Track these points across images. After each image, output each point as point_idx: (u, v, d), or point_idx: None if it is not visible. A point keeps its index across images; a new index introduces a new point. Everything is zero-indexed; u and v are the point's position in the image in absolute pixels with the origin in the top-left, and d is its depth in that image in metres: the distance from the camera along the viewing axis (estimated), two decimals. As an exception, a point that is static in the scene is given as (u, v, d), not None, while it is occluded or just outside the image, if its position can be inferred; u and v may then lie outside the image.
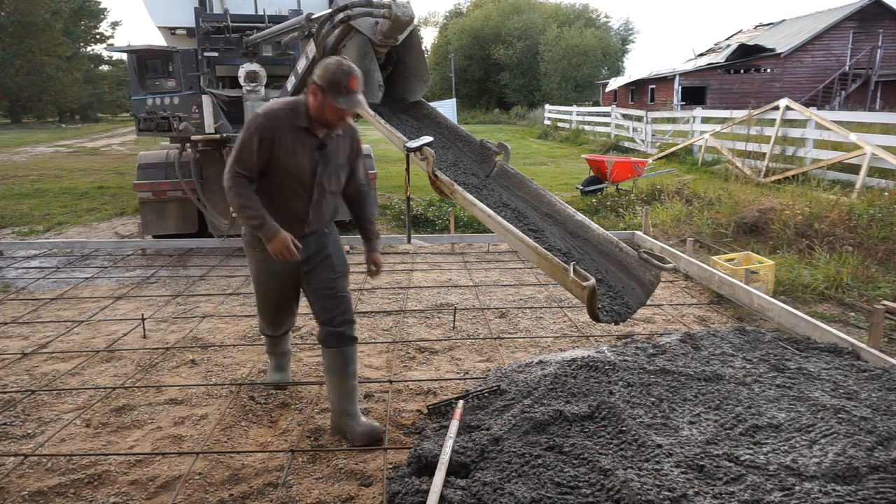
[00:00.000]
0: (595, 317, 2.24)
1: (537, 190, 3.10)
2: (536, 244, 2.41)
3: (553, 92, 35.83)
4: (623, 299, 2.51)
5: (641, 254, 2.71)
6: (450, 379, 3.36)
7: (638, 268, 2.71)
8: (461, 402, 2.83)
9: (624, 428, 2.40)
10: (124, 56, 8.52)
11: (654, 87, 28.33)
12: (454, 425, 2.53)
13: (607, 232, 2.89)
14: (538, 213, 2.97)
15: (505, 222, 2.52)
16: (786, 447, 2.30)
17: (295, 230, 2.62)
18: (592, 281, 2.17)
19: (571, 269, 2.24)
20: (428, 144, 2.76)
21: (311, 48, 3.50)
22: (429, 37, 53.88)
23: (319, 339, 2.74)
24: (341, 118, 2.52)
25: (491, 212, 2.57)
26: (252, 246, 2.77)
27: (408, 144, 2.78)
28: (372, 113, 3.04)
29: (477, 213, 2.61)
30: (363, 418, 2.79)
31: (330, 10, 3.21)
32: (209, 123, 6.12)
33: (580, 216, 2.95)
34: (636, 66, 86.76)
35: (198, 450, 2.68)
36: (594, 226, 2.91)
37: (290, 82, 3.90)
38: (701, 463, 2.20)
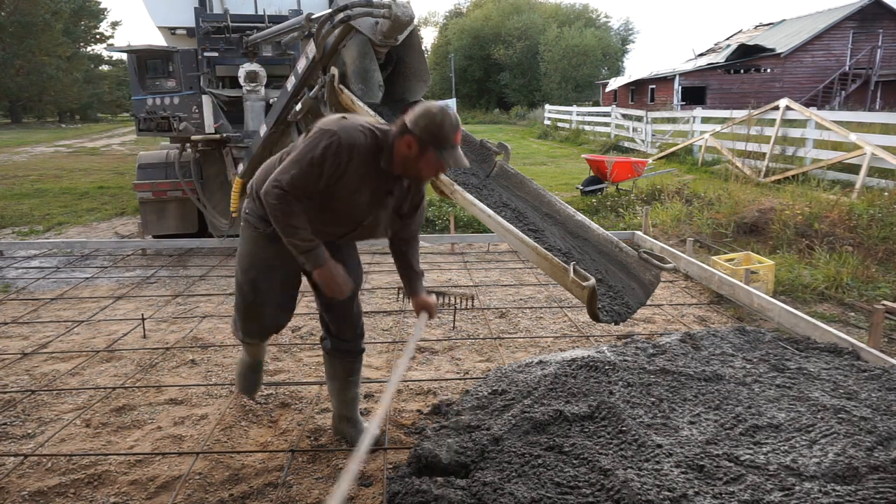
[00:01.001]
0: (595, 317, 2.24)
1: (537, 190, 3.10)
2: (536, 244, 2.41)
3: (553, 92, 35.84)
4: (623, 299, 2.51)
5: (641, 254, 2.71)
6: (450, 379, 3.36)
7: (638, 268, 2.71)
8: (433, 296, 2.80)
9: (624, 428, 2.40)
10: (124, 56, 8.52)
11: (654, 87, 28.34)
12: (423, 318, 2.51)
13: (607, 232, 2.89)
14: (538, 213, 2.97)
15: (505, 222, 2.52)
16: (786, 447, 2.30)
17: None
18: (592, 281, 2.17)
19: (571, 269, 2.24)
20: None
21: (311, 48, 3.50)
22: (429, 37, 53.93)
23: (325, 348, 2.68)
24: (438, 173, 2.27)
25: (491, 212, 2.57)
26: (262, 226, 2.38)
27: None
28: (372, 113, 3.04)
29: (477, 213, 2.61)
30: (364, 424, 2.78)
31: (330, 10, 3.21)
32: (209, 123, 6.12)
33: (580, 216, 2.95)
34: (636, 66, 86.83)
35: (198, 450, 2.68)
36: (594, 226, 2.91)
37: (291, 82, 3.90)
38: (701, 463, 2.20)
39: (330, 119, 2.24)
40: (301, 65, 3.69)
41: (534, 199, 3.07)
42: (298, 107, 3.68)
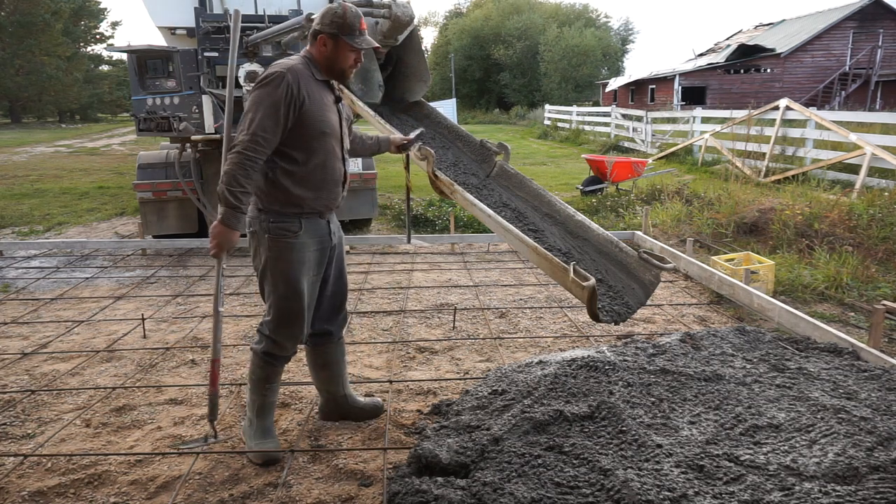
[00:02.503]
0: (595, 317, 2.24)
1: (537, 190, 3.10)
2: (536, 244, 2.41)
3: (553, 92, 35.84)
4: (623, 299, 2.51)
5: (641, 254, 2.72)
6: (450, 379, 3.36)
7: (638, 268, 2.71)
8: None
9: (624, 428, 2.40)
10: (124, 56, 8.53)
11: (654, 87, 28.34)
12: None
13: (607, 232, 2.89)
14: (538, 213, 2.97)
15: (505, 222, 2.52)
16: (786, 447, 2.30)
17: (336, 196, 2.54)
18: (592, 281, 2.17)
19: (571, 269, 2.24)
20: (420, 136, 2.76)
21: None
22: (429, 37, 53.96)
23: (321, 338, 2.74)
24: (356, 63, 2.47)
25: (491, 212, 2.57)
26: (289, 232, 2.41)
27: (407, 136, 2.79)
28: (371, 112, 3.04)
29: (477, 213, 2.61)
30: (361, 398, 2.94)
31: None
32: (209, 123, 6.12)
33: (580, 216, 2.95)
34: (636, 66, 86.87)
35: (198, 450, 2.67)
36: (594, 226, 2.91)
37: None
38: (701, 463, 2.20)
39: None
40: None
41: (534, 199, 3.07)
42: None
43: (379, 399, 2.97)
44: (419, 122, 3.43)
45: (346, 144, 2.61)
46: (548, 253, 2.37)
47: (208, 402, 2.67)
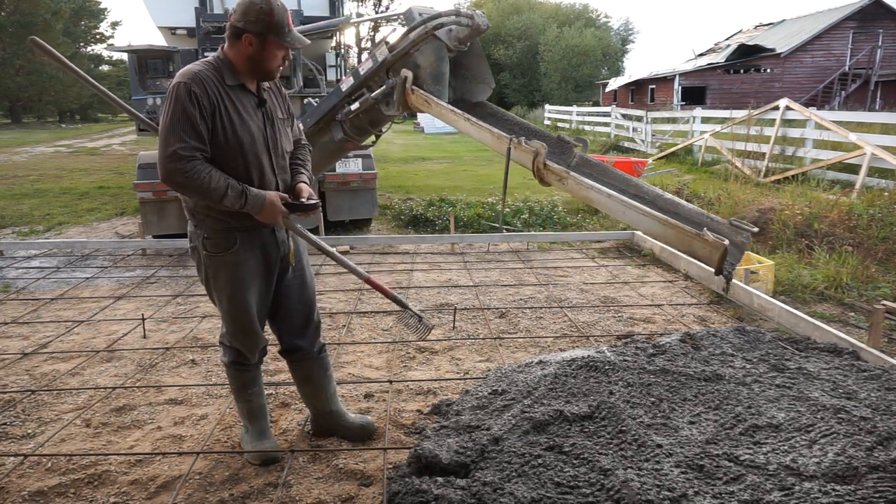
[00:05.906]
0: (720, 271, 2.57)
1: (622, 175, 3.20)
2: (666, 216, 2.59)
3: (553, 92, 35.85)
4: (727, 259, 2.78)
5: (732, 221, 2.98)
6: (450, 379, 3.37)
7: (730, 233, 2.96)
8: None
9: (624, 428, 2.41)
10: (124, 56, 8.54)
11: (654, 87, 28.35)
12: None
13: (697, 207, 3.05)
14: (626, 194, 3.07)
15: (628, 199, 2.73)
16: (785, 447, 2.30)
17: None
18: (726, 241, 2.49)
19: (707, 233, 2.52)
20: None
21: (380, 51, 3.56)
22: (429, 37, 53.90)
23: (293, 353, 2.63)
24: (284, 62, 2.29)
25: (610, 191, 2.71)
26: (223, 248, 2.33)
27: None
28: (453, 109, 3.10)
29: (593, 196, 2.77)
30: (352, 415, 2.82)
31: (428, 16, 3.32)
32: None
33: (668, 194, 3.10)
34: (636, 66, 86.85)
35: (198, 450, 2.68)
36: (684, 202, 3.05)
37: (347, 83, 3.87)
38: (701, 463, 2.20)
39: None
40: (366, 67, 3.73)
41: (620, 182, 3.20)
42: (355, 106, 3.72)
43: (370, 418, 2.83)
44: (484, 121, 3.48)
45: (284, 147, 2.43)
46: (678, 223, 2.65)
47: (394, 302, 2.64)
